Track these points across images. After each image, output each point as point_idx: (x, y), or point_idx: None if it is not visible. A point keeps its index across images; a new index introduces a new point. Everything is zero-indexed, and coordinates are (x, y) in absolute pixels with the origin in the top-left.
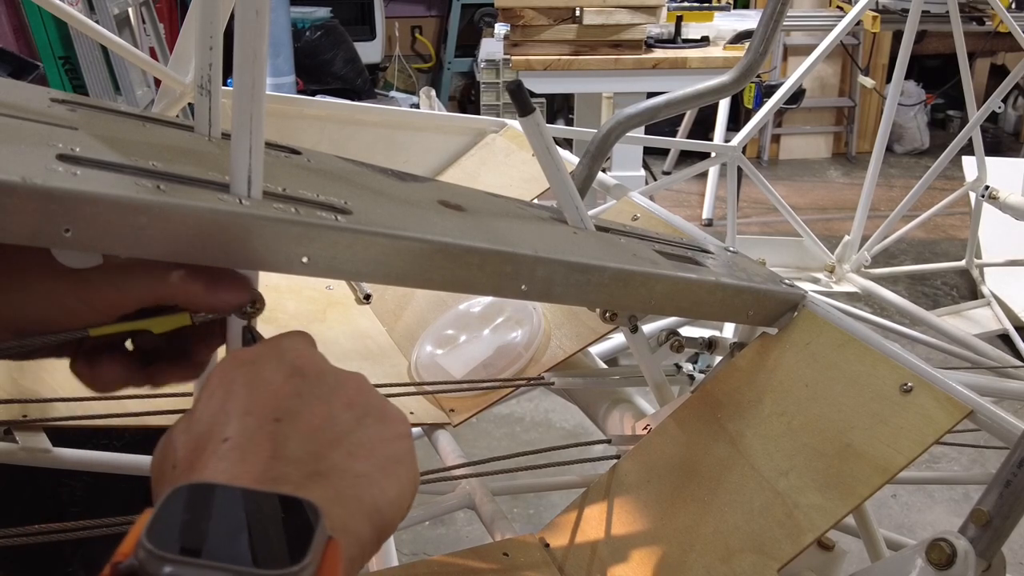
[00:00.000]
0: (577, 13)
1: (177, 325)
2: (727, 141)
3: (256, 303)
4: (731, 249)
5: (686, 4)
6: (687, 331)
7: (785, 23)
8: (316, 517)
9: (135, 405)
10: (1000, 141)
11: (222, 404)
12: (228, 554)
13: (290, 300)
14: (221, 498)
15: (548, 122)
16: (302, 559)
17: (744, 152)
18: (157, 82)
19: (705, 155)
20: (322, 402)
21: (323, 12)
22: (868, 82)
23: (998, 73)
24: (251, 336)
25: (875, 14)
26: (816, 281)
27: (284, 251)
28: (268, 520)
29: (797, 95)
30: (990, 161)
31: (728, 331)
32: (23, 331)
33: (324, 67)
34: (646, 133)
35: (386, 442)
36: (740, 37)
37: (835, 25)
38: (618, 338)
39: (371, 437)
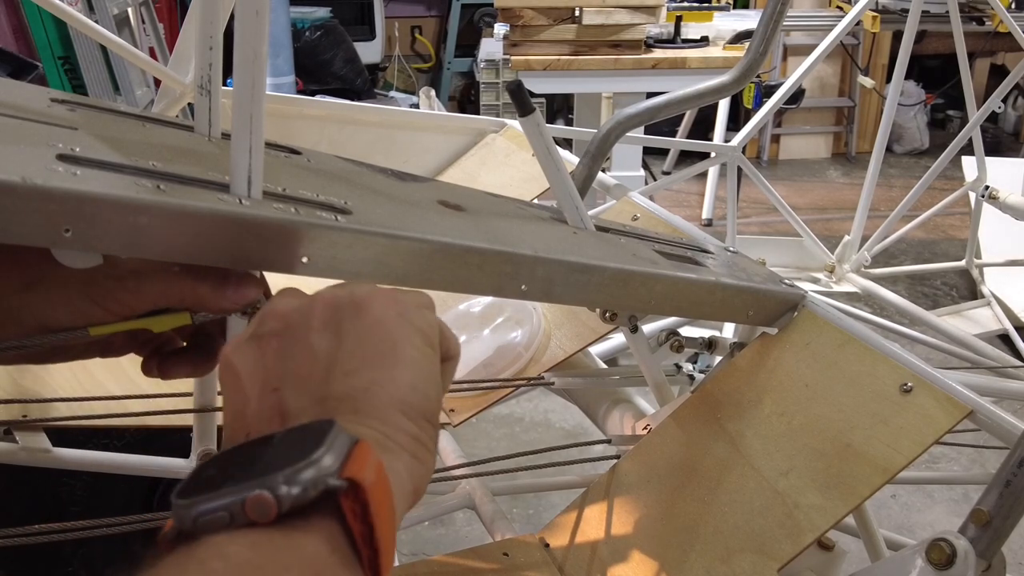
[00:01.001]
0: (577, 13)
1: (177, 324)
2: (727, 141)
3: (257, 303)
4: (731, 249)
5: (685, 4)
6: (687, 331)
7: (785, 23)
8: (329, 425)
9: (135, 405)
10: (1000, 141)
11: (232, 407)
12: (246, 476)
13: None
14: (241, 449)
15: (548, 122)
16: (316, 451)
17: (744, 152)
18: (157, 82)
19: (705, 155)
20: (299, 343)
21: (323, 12)
22: (868, 82)
23: (998, 73)
24: None
25: (875, 14)
26: (816, 281)
27: (284, 251)
28: (283, 448)
29: (797, 95)
30: (990, 161)
31: (728, 331)
32: (39, 332)
33: (324, 67)
34: (646, 133)
35: (368, 336)
36: (740, 37)
37: (835, 25)
38: (618, 338)
39: (353, 341)
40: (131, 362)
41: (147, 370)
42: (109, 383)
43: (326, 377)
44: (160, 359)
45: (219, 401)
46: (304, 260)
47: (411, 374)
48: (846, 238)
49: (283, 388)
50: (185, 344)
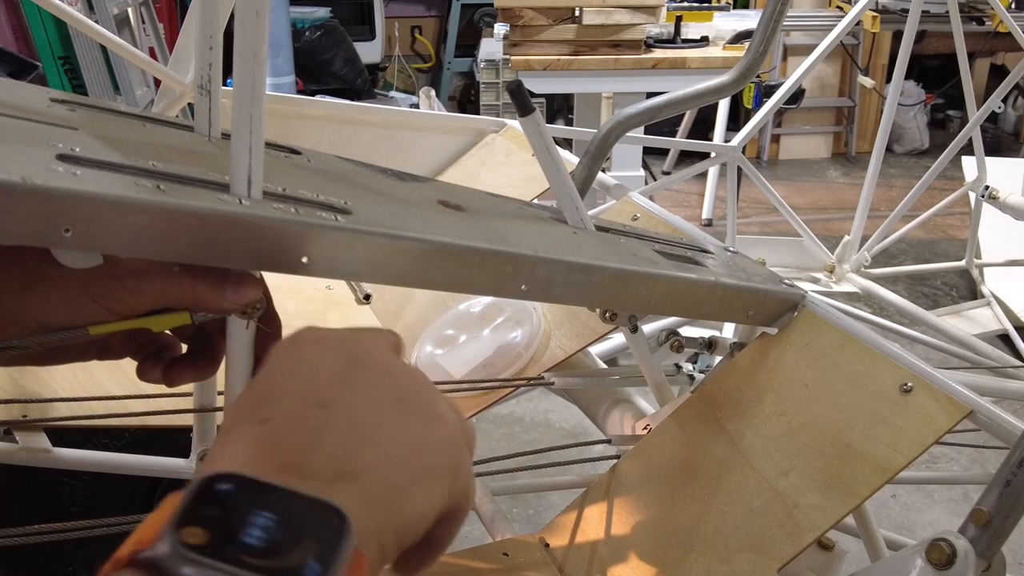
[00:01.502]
0: (576, 13)
1: (176, 324)
2: (727, 141)
3: (257, 303)
4: (731, 249)
5: (685, 4)
6: (687, 331)
7: (785, 23)
8: (346, 528)
9: (135, 405)
10: (1000, 141)
11: (270, 380)
12: (250, 558)
13: (290, 300)
14: (250, 494)
15: (548, 122)
16: (328, 571)
17: (744, 152)
18: (157, 82)
19: (705, 155)
20: (370, 394)
21: (323, 12)
22: (868, 82)
23: (998, 73)
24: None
25: (875, 14)
26: (816, 281)
27: (284, 251)
28: (296, 523)
29: (797, 95)
30: (990, 161)
31: (728, 331)
32: (38, 333)
33: (324, 67)
34: (646, 133)
35: (427, 449)
36: (740, 37)
37: (835, 25)
38: (618, 338)
39: (412, 440)
40: (131, 362)
41: (143, 373)
42: (109, 383)
43: (370, 442)
44: (164, 367)
45: (219, 401)
46: (304, 260)
47: (424, 505)
48: (846, 238)
49: (328, 410)
50: (185, 349)
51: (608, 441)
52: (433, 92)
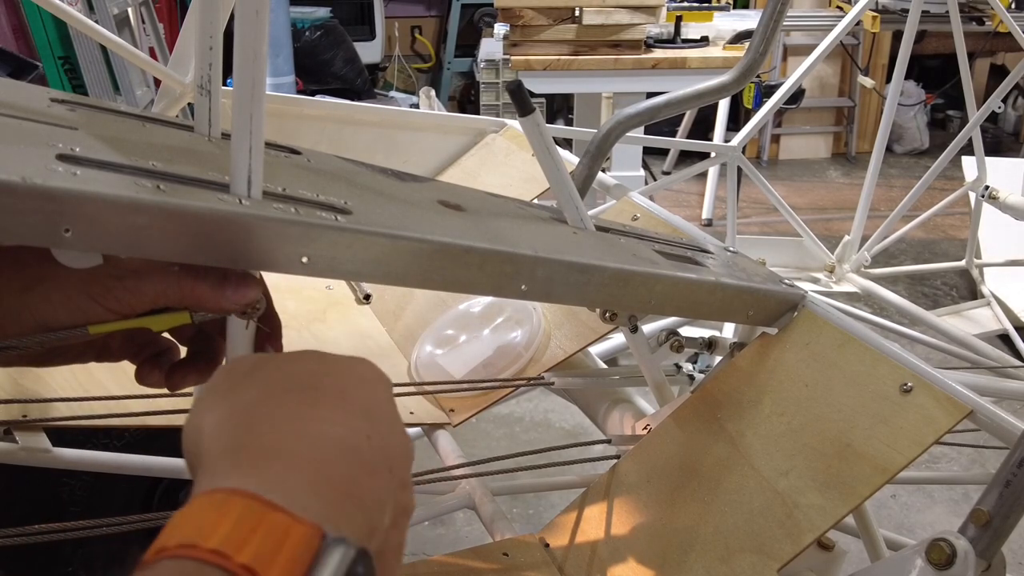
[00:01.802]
0: (576, 13)
1: (176, 323)
2: (727, 141)
3: (257, 303)
4: (731, 249)
5: (685, 4)
6: (687, 331)
7: (785, 23)
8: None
9: (135, 405)
10: (1000, 141)
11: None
12: None
13: (290, 300)
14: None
15: (548, 122)
16: None
17: (744, 152)
18: (157, 82)
19: (705, 155)
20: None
21: (323, 12)
22: (868, 82)
23: (998, 73)
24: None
25: (875, 14)
26: (816, 281)
27: (284, 251)
28: None
29: (797, 95)
30: (990, 161)
31: (728, 331)
32: (38, 332)
33: (324, 67)
34: (646, 133)
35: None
36: (740, 37)
37: (835, 25)
38: (618, 338)
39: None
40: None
41: (142, 377)
42: (109, 383)
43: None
44: (167, 372)
45: None
46: (304, 260)
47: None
48: (846, 238)
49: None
50: (185, 352)
51: (608, 441)
52: (433, 92)
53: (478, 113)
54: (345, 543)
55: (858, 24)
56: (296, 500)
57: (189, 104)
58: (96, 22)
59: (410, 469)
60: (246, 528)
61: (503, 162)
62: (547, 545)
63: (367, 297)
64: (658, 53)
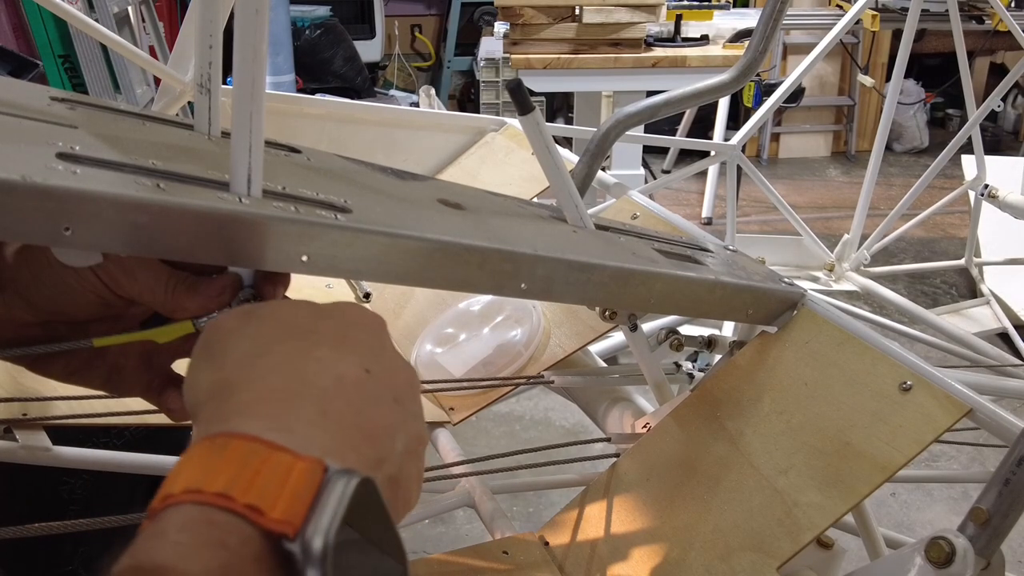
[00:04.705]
0: (577, 12)
1: (181, 334)
2: (727, 140)
3: (249, 300)
4: (731, 248)
5: (685, 3)
6: (686, 329)
7: (785, 22)
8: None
9: (136, 404)
10: (999, 140)
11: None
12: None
13: None
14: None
15: (548, 121)
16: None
17: (744, 151)
18: (157, 80)
19: (705, 154)
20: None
21: (323, 11)
22: (868, 81)
23: (997, 72)
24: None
25: (875, 13)
26: (815, 280)
27: (284, 250)
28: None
29: (796, 94)
30: (989, 160)
31: (728, 329)
32: (49, 314)
33: (324, 66)
34: (645, 132)
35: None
36: (739, 36)
37: (835, 24)
38: (618, 336)
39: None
40: None
41: (169, 402)
42: None
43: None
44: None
45: None
46: (304, 259)
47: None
48: (846, 237)
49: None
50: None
51: (608, 439)
52: (433, 91)
53: (478, 112)
54: (348, 474)
55: (858, 23)
56: (298, 438)
57: (189, 103)
58: (96, 21)
59: (418, 400)
60: (249, 470)
61: (503, 161)
62: (547, 543)
63: (367, 295)
64: (658, 52)
